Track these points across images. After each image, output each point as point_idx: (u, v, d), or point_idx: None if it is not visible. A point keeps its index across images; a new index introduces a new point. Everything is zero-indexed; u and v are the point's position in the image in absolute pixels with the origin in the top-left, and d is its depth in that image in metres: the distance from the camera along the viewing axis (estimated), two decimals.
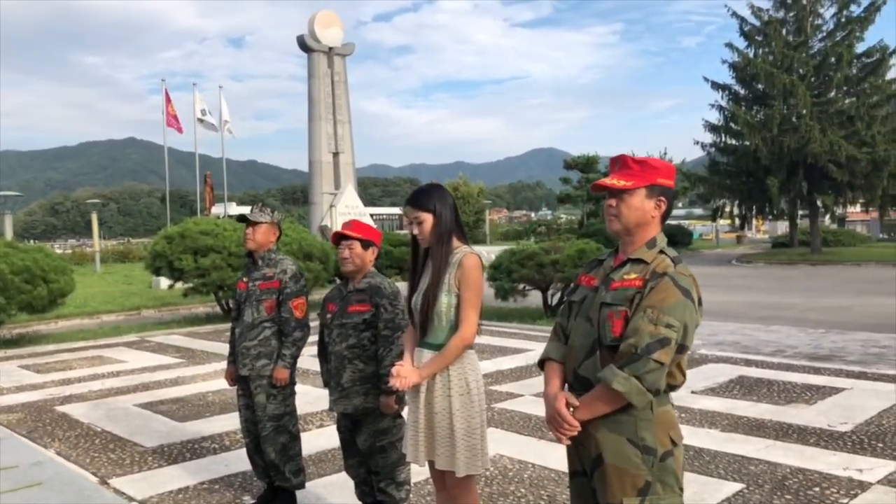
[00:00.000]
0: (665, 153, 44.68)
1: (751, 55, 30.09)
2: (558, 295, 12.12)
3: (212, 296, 13.38)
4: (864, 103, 27.84)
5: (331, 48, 24.68)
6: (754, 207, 32.21)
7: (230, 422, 5.92)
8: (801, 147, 26.96)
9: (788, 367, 7.77)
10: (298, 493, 4.27)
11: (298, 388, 4.38)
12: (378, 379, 3.54)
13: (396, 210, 61.35)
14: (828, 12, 29.74)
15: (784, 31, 29.82)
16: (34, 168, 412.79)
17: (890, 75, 28.95)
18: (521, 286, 12.20)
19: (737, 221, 35.48)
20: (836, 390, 6.68)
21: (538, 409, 6.06)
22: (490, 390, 6.81)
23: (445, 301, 2.92)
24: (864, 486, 4.29)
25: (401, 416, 3.62)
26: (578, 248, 11.81)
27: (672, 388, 2.28)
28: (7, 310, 10.36)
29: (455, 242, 3.00)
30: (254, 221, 4.16)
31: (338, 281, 3.90)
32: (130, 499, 4.45)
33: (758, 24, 30.28)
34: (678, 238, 36.59)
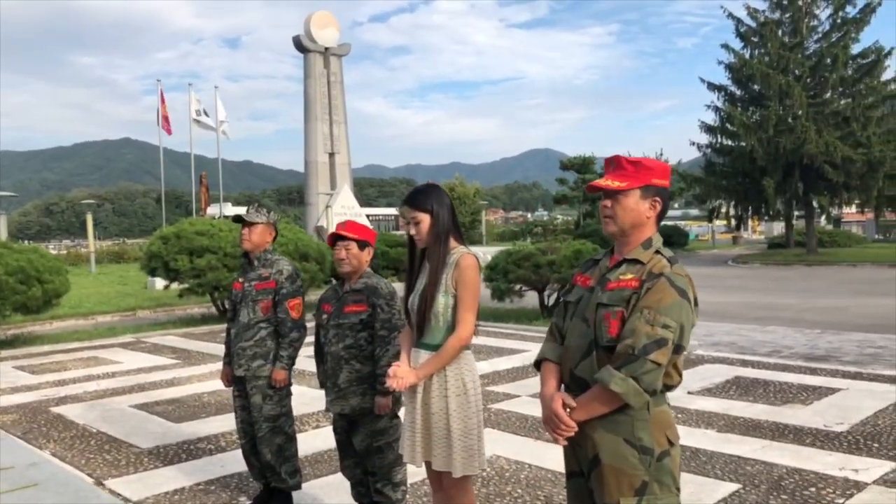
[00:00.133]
0: (661, 154, 44.73)
1: (747, 56, 30.17)
2: (555, 295, 12.13)
3: (207, 296, 13.36)
4: (859, 104, 27.94)
5: (327, 48, 24.65)
6: (750, 208, 32.30)
7: (226, 423, 5.90)
8: (797, 148, 27.04)
9: (784, 368, 7.78)
10: (295, 494, 4.26)
11: (294, 388, 4.37)
12: (375, 379, 3.53)
13: (392, 210, 61.33)
14: (823, 13, 29.88)
15: (780, 33, 29.90)
16: (29, 168, 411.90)
17: (885, 76, 29.09)
18: (517, 287, 12.20)
19: (733, 222, 35.57)
20: (832, 391, 6.69)
21: (535, 409, 6.06)
22: (487, 391, 6.80)
23: (442, 301, 2.92)
24: (859, 487, 4.29)
25: (397, 417, 3.61)
26: (575, 248, 11.83)
27: (669, 388, 2.28)
28: (1, 311, 10.33)
29: (452, 243, 3.00)
30: (250, 222, 4.15)
31: (334, 282, 3.89)
32: (126, 500, 4.43)
33: (754, 25, 30.37)
34: (674, 239, 36.65)
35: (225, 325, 4.53)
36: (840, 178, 27.21)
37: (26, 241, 46.70)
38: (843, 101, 29.04)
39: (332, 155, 24.68)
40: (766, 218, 36.42)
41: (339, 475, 4.05)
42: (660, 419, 2.24)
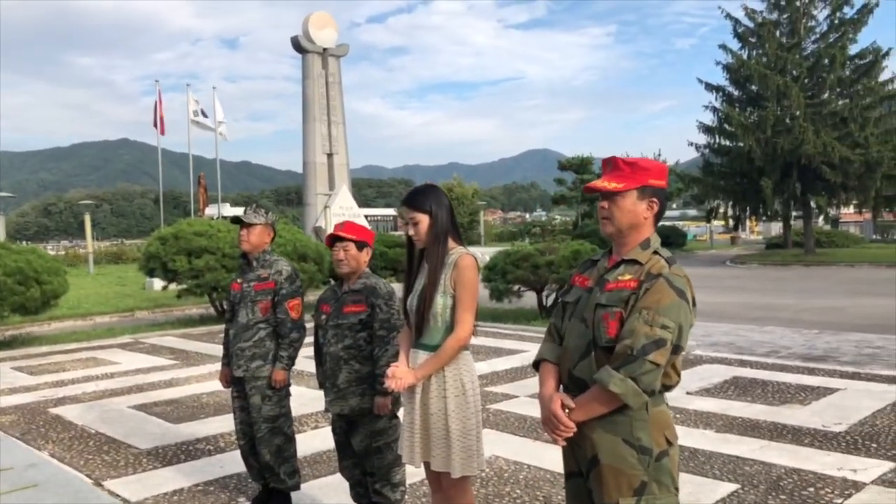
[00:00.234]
0: (659, 154, 44.79)
1: (744, 57, 30.21)
2: (553, 296, 12.13)
3: (206, 297, 13.36)
4: (857, 105, 27.98)
5: (325, 49, 24.65)
6: (748, 208, 32.34)
7: (225, 423, 5.90)
8: (795, 148, 27.07)
9: (783, 368, 7.79)
10: (293, 495, 4.26)
11: (293, 389, 4.37)
12: (375, 379, 3.53)
13: (391, 211, 61.32)
14: (821, 14, 29.92)
15: (777, 33, 29.95)
16: (27, 169, 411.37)
17: (883, 77, 29.15)
18: (515, 287, 12.21)
19: (731, 222, 35.60)
20: (831, 391, 6.70)
21: (533, 410, 6.06)
22: (485, 391, 6.80)
23: (441, 302, 2.92)
24: (858, 487, 4.30)
25: (396, 417, 3.61)
26: (573, 249, 11.83)
27: (667, 388, 2.29)
28: (0, 311, 10.32)
29: (450, 243, 3.00)
30: (248, 223, 4.14)
31: (332, 282, 3.90)
32: (125, 501, 4.43)
33: (751, 25, 30.41)
34: (672, 239, 36.70)
35: (223, 326, 4.53)
36: (838, 179, 27.25)
37: (24, 242, 46.66)
38: (840, 102, 29.08)
39: (330, 155, 24.68)
40: (763, 218, 36.50)
41: (338, 476, 4.05)
42: (658, 419, 2.25)
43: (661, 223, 2.42)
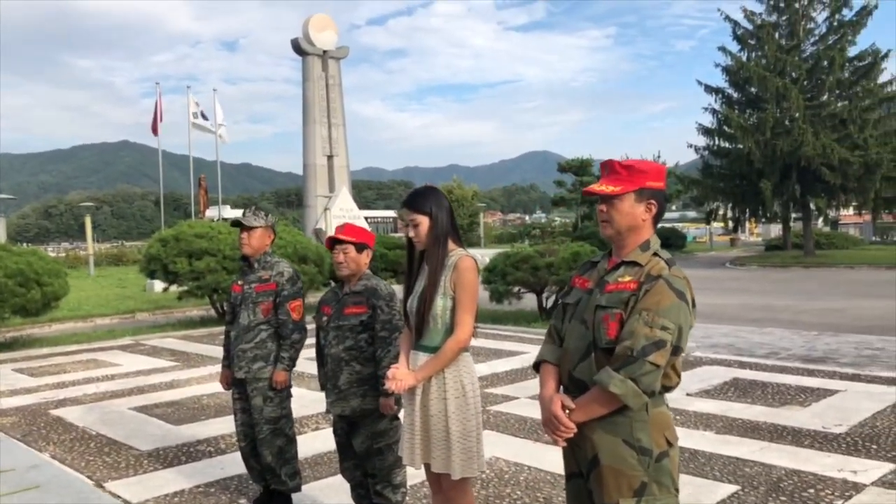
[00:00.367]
0: (659, 156, 44.80)
1: (744, 59, 30.23)
2: (553, 298, 12.14)
3: (206, 299, 13.36)
4: (856, 107, 28.00)
5: (325, 51, 24.68)
6: (748, 210, 32.35)
7: (225, 425, 5.91)
8: (794, 150, 27.09)
9: (782, 370, 7.79)
10: (294, 497, 4.27)
11: (294, 391, 4.38)
12: (376, 380, 3.54)
13: (391, 213, 61.33)
14: (820, 16, 29.96)
15: (777, 35, 29.98)
16: (27, 171, 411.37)
17: (882, 79, 29.18)
18: (515, 289, 12.21)
19: (730, 224, 35.61)
20: (830, 392, 6.71)
21: (534, 411, 6.07)
22: (485, 393, 6.81)
23: (441, 304, 2.93)
24: (858, 488, 4.31)
25: (397, 419, 3.62)
26: (573, 250, 11.84)
27: (667, 389, 2.30)
28: (1, 313, 10.33)
29: (451, 245, 3.00)
30: (248, 226, 4.15)
31: (332, 284, 3.91)
32: (127, 502, 4.44)
33: (751, 27, 30.44)
34: (672, 241, 36.71)
35: (224, 328, 4.54)
36: (837, 181, 27.27)
37: (25, 244, 46.66)
38: (840, 104, 29.11)
39: (330, 157, 24.69)
40: (763, 220, 36.52)
41: (339, 477, 4.06)
42: (658, 420, 2.26)
43: (660, 225, 2.43)
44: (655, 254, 2.31)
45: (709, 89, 31.15)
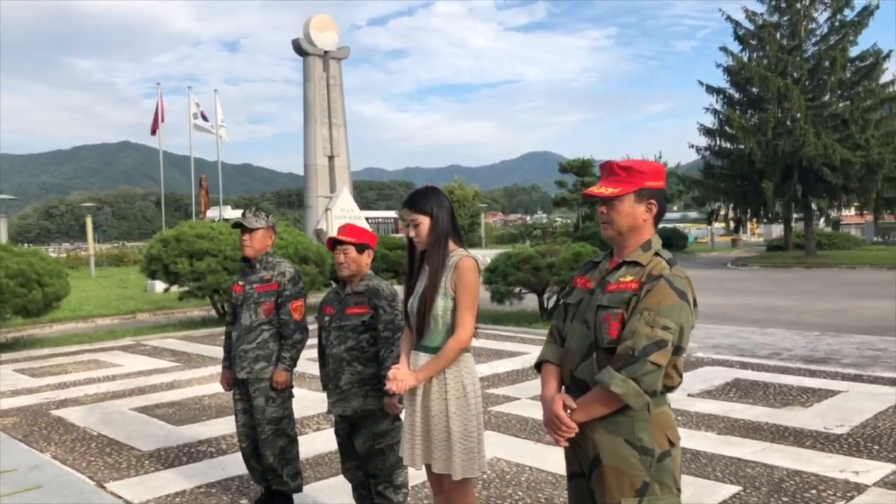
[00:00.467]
0: (660, 156, 44.83)
1: (745, 59, 30.22)
2: (554, 298, 12.13)
3: (207, 299, 13.36)
4: (858, 107, 27.98)
5: (326, 52, 24.69)
6: (749, 211, 32.33)
7: (227, 425, 5.90)
8: (796, 150, 27.07)
9: (784, 370, 7.78)
10: (296, 497, 4.27)
11: (295, 391, 4.38)
12: (377, 381, 3.54)
13: (392, 213, 61.38)
14: (822, 16, 29.94)
15: (778, 35, 29.96)
16: (28, 171, 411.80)
17: (883, 79, 29.14)
18: (517, 289, 12.21)
19: (731, 225, 35.59)
20: (832, 393, 6.70)
21: (535, 412, 6.06)
22: (487, 393, 6.81)
23: (442, 304, 2.92)
24: (860, 489, 4.30)
25: (399, 419, 3.62)
26: (574, 251, 11.83)
27: (669, 388, 2.30)
28: (2, 314, 10.34)
29: (451, 245, 3.00)
30: (250, 228, 4.14)
31: (333, 284, 3.91)
32: (128, 503, 4.44)
33: (752, 28, 30.43)
34: (673, 241, 36.71)
35: (224, 328, 4.54)
36: (839, 181, 27.25)
37: (26, 245, 46.70)
38: (841, 104, 29.10)
39: (331, 158, 24.70)
40: (764, 220, 36.47)
41: (340, 477, 4.06)
42: (660, 420, 2.26)
43: (661, 225, 2.43)
44: (657, 253, 2.31)
45: (710, 89, 31.14)
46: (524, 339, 10.33)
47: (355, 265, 3.66)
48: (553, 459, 4.78)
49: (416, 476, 4.02)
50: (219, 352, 8.25)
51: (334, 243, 3.69)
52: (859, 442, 5.22)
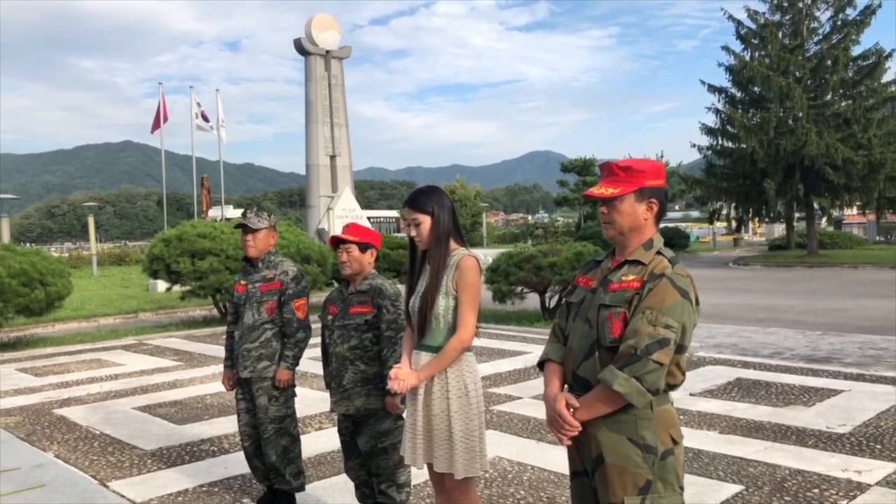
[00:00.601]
0: (662, 155, 44.84)
1: (747, 58, 30.17)
2: (556, 297, 12.13)
3: (209, 299, 13.38)
4: (860, 106, 27.94)
5: (328, 51, 24.71)
6: (751, 210, 32.26)
7: (229, 424, 5.92)
8: (798, 150, 27.04)
9: (786, 370, 7.78)
10: (298, 496, 4.27)
11: (297, 390, 4.38)
12: (380, 380, 3.54)
13: (393, 213, 61.35)
14: (824, 15, 29.88)
15: (780, 34, 29.92)
16: (30, 171, 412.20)
17: (886, 78, 29.08)
18: (518, 289, 12.21)
19: (733, 224, 35.55)
20: (834, 392, 6.69)
21: (537, 411, 6.07)
22: (488, 393, 6.81)
23: (443, 303, 2.93)
24: (862, 488, 4.30)
25: (402, 418, 3.62)
26: (576, 250, 11.83)
27: (672, 387, 2.30)
28: (4, 313, 10.35)
29: (453, 245, 3.00)
30: (253, 229, 4.14)
31: (335, 283, 3.91)
32: (131, 501, 4.45)
33: (754, 27, 30.39)
34: (675, 241, 36.67)
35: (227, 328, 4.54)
36: (841, 180, 27.21)
37: (28, 244, 46.75)
38: (843, 103, 29.04)
39: (333, 158, 24.72)
40: (766, 220, 36.39)
41: (343, 476, 4.06)
42: (663, 418, 2.26)
43: (663, 225, 2.43)
44: (659, 252, 2.32)
45: (712, 89, 31.10)
46: (526, 339, 10.34)
47: (357, 264, 3.67)
48: (555, 458, 4.79)
49: (418, 475, 4.02)
50: (221, 351, 8.27)
51: (337, 242, 3.69)
52: (861, 441, 5.21)
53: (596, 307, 2.31)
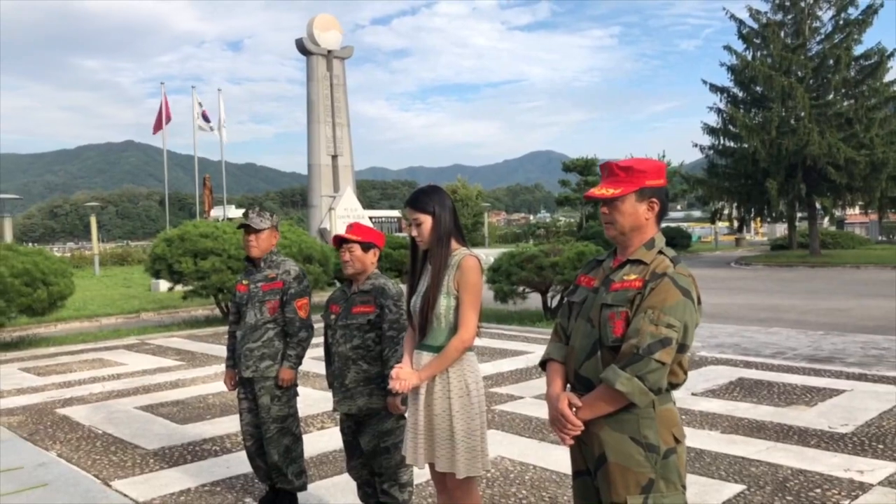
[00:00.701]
0: (663, 155, 44.81)
1: (749, 58, 30.14)
2: (558, 297, 12.14)
3: (211, 298, 13.39)
4: (862, 105, 27.90)
5: (329, 51, 24.72)
6: (753, 210, 32.22)
7: (231, 424, 5.92)
8: (800, 149, 27.00)
9: (788, 369, 7.78)
10: (300, 495, 4.28)
11: (299, 390, 4.39)
12: (383, 379, 3.54)
13: (395, 213, 61.40)
14: (826, 15, 29.85)
15: (782, 34, 29.89)
16: (33, 171, 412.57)
17: (888, 78, 29.04)
18: (520, 288, 12.21)
19: (735, 224, 35.52)
20: (837, 392, 6.69)
21: (538, 411, 6.07)
22: (490, 392, 6.81)
23: (444, 303, 2.93)
24: (864, 488, 4.30)
25: (404, 418, 3.63)
26: (577, 250, 11.82)
27: (674, 386, 2.30)
28: (7, 312, 10.37)
29: (454, 244, 3.01)
30: (256, 229, 4.15)
31: (337, 283, 3.91)
32: (133, 501, 4.45)
33: (756, 26, 30.36)
34: (677, 241, 36.65)
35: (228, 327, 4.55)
36: (843, 180, 27.17)
37: (31, 244, 46.82)
38: (845, 103, 29.00)
39: (334, 157, 24.74)
40: (768, 220, 36.37)
41: (345, 476, 4.06)
42: (665, 417, 2.26)
43: (665, 225, 2.43)
44: (660, 252, 2.32)
45: (714, 88, 31.06)
46: (528, 339, 10.34)
47: (360, 264, 3.67)
48: (557, 458, 4.79)
49: (420, 474, 4.03)
50: (223, 350, 8.27)
51: (340, 242, 3.70)
52: (864, 441, 5.21)
53: (598, 307, 2.31)
